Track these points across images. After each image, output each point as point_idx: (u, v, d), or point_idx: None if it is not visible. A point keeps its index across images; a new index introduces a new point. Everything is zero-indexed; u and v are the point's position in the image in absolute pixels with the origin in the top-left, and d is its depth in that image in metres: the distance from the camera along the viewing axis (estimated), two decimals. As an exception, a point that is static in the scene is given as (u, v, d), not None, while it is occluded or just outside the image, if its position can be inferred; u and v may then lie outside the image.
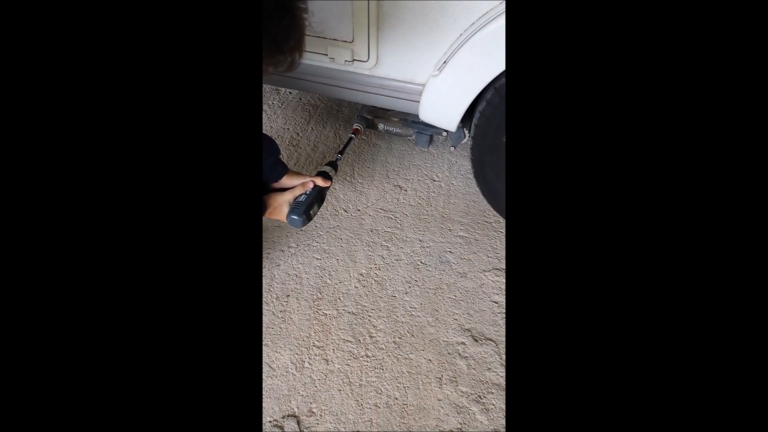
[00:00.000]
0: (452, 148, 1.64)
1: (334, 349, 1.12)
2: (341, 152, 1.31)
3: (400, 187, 1.52)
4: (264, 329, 1.15)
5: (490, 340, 1.15)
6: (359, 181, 1.53)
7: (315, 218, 1.40)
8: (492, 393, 1.05)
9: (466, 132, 1.31)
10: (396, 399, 1.04)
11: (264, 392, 1.04)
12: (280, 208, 1.11)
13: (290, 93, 1.86)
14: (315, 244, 1.34)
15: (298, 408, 1.03)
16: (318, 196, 1.14)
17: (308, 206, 1.10)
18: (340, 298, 1.22)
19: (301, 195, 1.12)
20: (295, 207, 1.10)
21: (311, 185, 1.14)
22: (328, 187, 1.19)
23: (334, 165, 1.25)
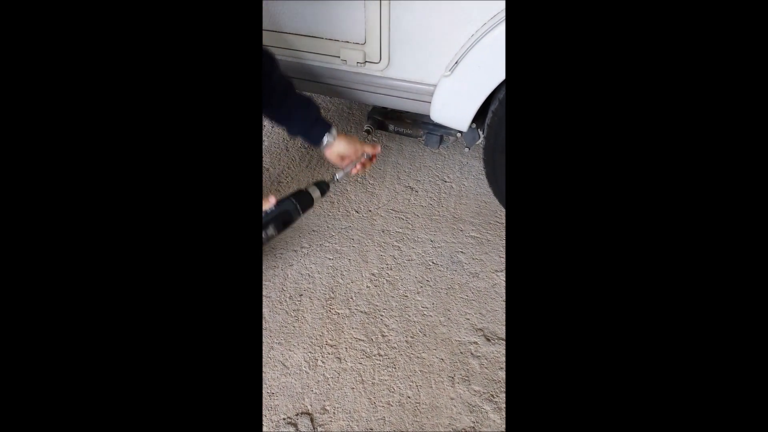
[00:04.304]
0: (466, 150, 1.64)
1: (346, 348, 1.13)
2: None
3: (411, 188, 1.52)
4: (278, 328, 1.16)
5: (503, 339, 1.15)
6: (370, 182, 1.54)
7: (327, 220, 1.41)
8: (505, 392, 1.05)
9: (480, 132, 1.31)
10: (408, 397, 1.05)
11: (278, 390, 1.06)
12: None
13: (302, 96, 1.88)
14: (327, 244, 1.36)
15: (311, 405, 1.03)
16: (280, 217, 1.00)
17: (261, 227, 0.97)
18: (352, 298, 1.23)
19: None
20: None
21: (273, 201, 1.00)
22: (296, 209, 1.03)
23: (324, 185, 1.11)
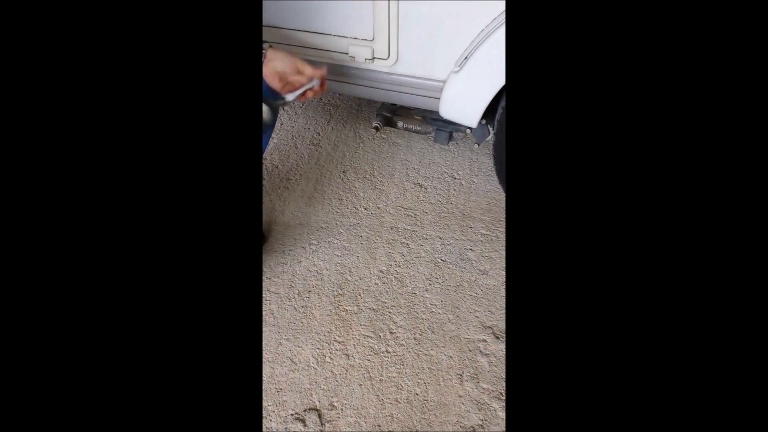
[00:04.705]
0: (476, 146, 1.63)
1: (354, 345, 1.13)
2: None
3: (420, 185, 1.52)
4: (286, 324, 1.17)
5: (512, 337, 1.14)
6: (379, 179, 1.54)
7: (335, 217, 1.41)
8: (513, 390, 1.05)
9: (490, 129, 1.30)
10: (417, 395, 1.04)
11: (286, 386, 1.06)
12: None
13: (311, 93, 1.88)
14: (336, 241, 1.36)
15: (319, 402, 1.04)
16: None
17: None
18: (360, 295, 1.23)
19: None
20: None
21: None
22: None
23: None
